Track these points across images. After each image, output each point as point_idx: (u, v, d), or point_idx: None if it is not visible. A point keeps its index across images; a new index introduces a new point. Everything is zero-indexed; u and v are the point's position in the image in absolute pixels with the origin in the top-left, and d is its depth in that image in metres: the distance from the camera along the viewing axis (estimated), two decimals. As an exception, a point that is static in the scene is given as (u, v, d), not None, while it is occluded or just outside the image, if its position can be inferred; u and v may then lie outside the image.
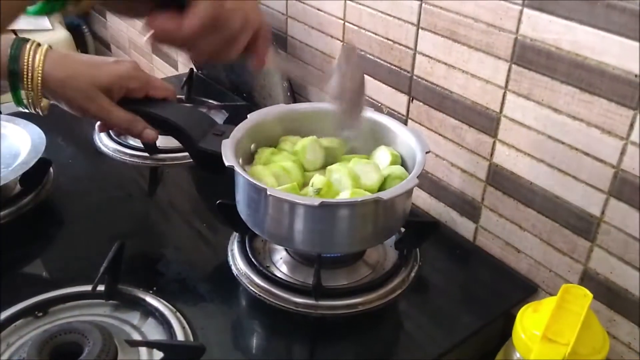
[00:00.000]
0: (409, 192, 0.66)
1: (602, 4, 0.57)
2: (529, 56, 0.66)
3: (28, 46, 0.68)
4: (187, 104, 1.09)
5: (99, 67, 0.73)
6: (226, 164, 0.64)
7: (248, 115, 0.74)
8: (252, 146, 0.73)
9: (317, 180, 0.66)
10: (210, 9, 0.50)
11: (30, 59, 0.68)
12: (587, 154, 0.63)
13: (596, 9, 0.58)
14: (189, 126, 0.74)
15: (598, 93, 0.60)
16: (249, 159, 0.73)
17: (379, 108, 0.87)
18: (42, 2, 0.46)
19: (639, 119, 0.58)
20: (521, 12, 0.65)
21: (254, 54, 0.58)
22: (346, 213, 0.63)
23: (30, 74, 0.69)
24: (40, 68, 0.69)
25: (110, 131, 0.99)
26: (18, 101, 0.73)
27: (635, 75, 0.57)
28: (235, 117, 0.90)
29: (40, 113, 0.75)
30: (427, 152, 0.67)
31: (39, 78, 0.69)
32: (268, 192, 0.60)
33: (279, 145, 0.74)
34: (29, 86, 0.69)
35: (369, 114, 0.74)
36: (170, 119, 0.75)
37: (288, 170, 0.68)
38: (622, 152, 0.60)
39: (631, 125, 0.59)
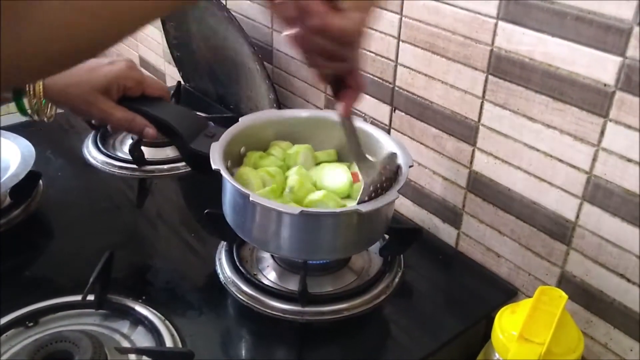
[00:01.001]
0: (389, 203, 0.68)
1: (572, 17, 0.60)
2: (504, 67, 0.68)
3: None
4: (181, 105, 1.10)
5: (96, 71, 0.75)
6: (213, 167, 0.65)
7: (240, 119, 0.75)
8: (242, 149, 0.75)
9: (292, 179, 0.67)
10: None
11: None
12: (561, 161, 0.66)
13: (566, 22, 0.61)
14: (182, 126, 0.76)
15: (570, 102, 0.63)
16: (238, 162, 0.74)
17: (363, 118, 0.89)
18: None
19: (609, 127, 0.60)
20: (496, 25, 0.67)
21: (347, 96, 0.57)
22: (326, 222, 0.65)
23: (32, 85, 0.70)
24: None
25: (98, 142, 1.00)
26: (21, 110, 0.74)
27: (604, 85, 0.59)
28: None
29: (46, 120, 0.77)
30: (410, 167, 0.68)
31: (41, 87, 0.71)
32: (251, 199, 0.62)
33: (268, 150, 0.76)
34: (32, 96, 0.71)
35: (357, 123, 0.76)
36: (163, 118, 0.77)
37: (273, 175, 0.70)
38: (594, 159, 0.63)
39: (602, 133, 0.61)
